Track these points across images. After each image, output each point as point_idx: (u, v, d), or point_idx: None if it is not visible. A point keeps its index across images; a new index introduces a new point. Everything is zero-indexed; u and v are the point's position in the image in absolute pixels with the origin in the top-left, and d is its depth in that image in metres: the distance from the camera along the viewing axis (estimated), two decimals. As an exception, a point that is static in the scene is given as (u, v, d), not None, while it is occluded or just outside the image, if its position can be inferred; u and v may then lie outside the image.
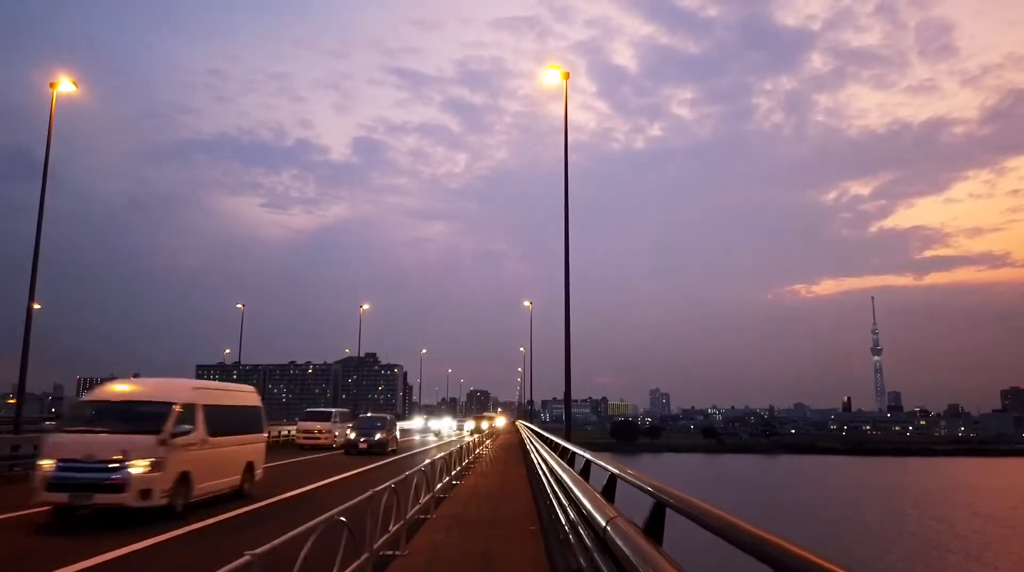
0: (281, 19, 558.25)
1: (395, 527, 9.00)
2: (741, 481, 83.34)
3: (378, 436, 31.71)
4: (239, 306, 74.52)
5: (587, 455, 7.81)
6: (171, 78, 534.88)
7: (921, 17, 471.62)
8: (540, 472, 15.65)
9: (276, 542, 4.58)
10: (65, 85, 23.64)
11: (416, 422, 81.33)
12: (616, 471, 5.46)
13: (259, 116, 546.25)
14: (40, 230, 22.78)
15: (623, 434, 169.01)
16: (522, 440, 37.63)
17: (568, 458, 9.54)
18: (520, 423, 68.07)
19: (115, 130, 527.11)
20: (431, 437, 56.02)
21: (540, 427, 42.09)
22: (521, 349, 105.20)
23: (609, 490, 5.62)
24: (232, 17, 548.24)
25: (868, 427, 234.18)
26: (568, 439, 17.00)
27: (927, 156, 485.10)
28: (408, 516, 9.98)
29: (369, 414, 41.90)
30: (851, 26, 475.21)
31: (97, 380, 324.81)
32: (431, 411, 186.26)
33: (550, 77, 22.62)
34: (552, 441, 15.40)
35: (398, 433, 37.12)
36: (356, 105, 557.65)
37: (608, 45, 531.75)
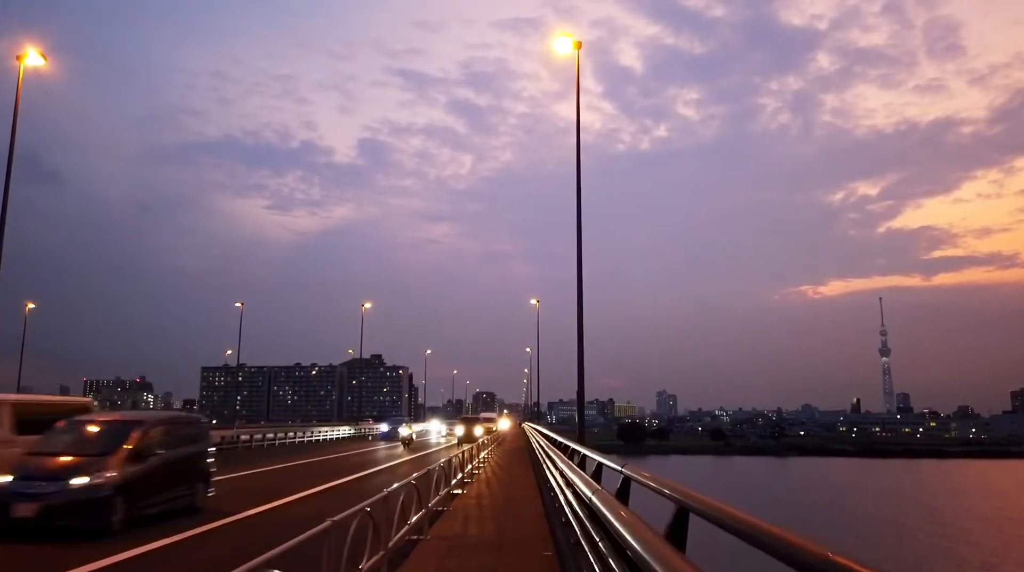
0: (283, 21, 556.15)
1: (373, 560, 7.03)
2: (762, 485, 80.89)
3: (78, 481, 11.18)
4: (238, 305, 73.21)
5: (625, 470, 5.73)
6: (174, 80, 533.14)
7: (928, 16, 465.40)
8: (552, 480, 13.70)
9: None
10: (33, 58, 21.95)
11: (382, 426, 59.13)
12: (692, 503, 3.47)
13: (263, 118, 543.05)
14: (6, 204, 20.88)
15: (630, 436, 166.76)
16: (529, 443, 35.70)
17: (594, 472, 7.54)
18: (527, 425, 66.21)
19: (119, 133, 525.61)
20: (398, 449, 39.67)
21: (547, 428, 40.13)
22: (527, 349, 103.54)
23: (678, 533, 3.61)
24: (234, 19, 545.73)
25: (877, 429, 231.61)
26: (582, 442, 15.08)
27: (935, 156, 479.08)
28: (392, 543, 8.02)
29: (85, 417, 13.90)
30: (858, 25, 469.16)
31: (103, 382, 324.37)
32: (436, 413, 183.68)
33: (560, 46, 20.69)
34: (569, 448, 13.42)
35: (209, 461, 14.96)
36: (360, 107, 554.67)
37: (614, 46, 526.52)
